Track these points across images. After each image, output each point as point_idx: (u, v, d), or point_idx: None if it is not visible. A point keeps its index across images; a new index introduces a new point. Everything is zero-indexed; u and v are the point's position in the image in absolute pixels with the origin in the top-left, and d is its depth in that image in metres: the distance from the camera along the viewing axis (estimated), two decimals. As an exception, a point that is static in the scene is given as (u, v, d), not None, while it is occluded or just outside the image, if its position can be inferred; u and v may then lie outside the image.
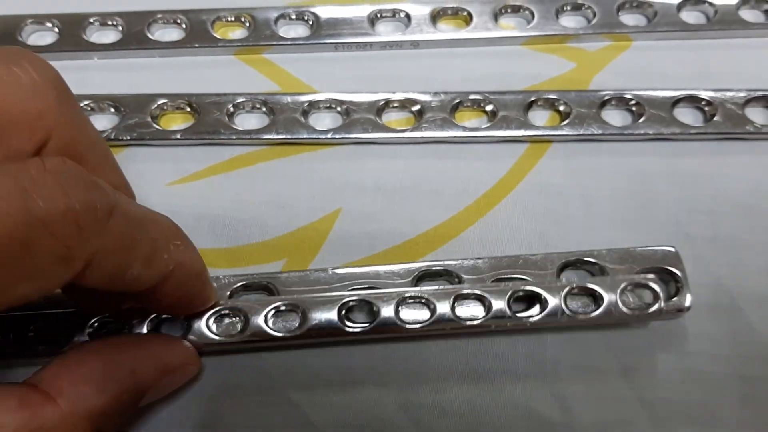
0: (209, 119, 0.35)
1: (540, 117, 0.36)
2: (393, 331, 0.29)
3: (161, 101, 0.36)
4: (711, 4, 0.39)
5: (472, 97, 0.36)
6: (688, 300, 0.29)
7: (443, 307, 0.29)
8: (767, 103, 0.36)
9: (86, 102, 0.36)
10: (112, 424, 0.24)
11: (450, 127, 0.35)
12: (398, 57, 0.39)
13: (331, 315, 0.28)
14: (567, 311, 0.29)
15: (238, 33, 0.39)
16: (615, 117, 0.36)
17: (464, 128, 0.35)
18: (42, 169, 0.19)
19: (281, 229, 0.33)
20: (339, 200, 0.34)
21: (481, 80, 0.37)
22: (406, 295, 0.29)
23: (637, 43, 0.39)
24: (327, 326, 0.28)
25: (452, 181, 0.34)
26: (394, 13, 0.39)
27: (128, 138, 0.35)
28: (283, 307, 0.29)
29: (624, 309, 0.28)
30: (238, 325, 0.28)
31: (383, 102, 0.36)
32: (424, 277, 0.31)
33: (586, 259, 0.31)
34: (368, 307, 0.29)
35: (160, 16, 0.39)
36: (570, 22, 0.39)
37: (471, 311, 0.29)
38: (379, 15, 0.39)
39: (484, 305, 0.29)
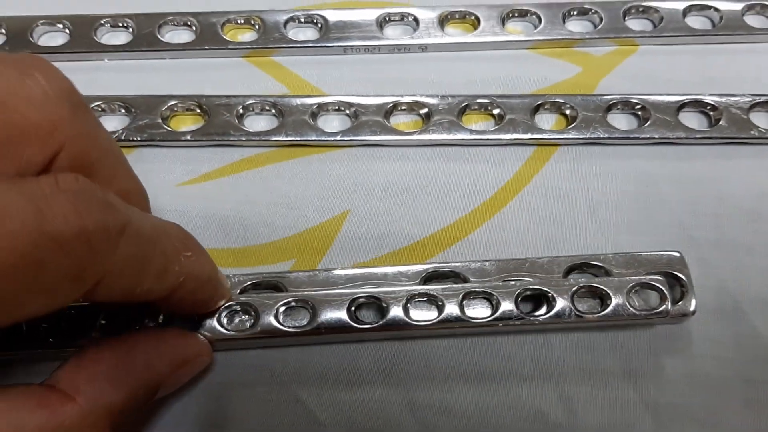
0: (219, 121, 0.35)
1: (546, 120, 0.36)
2: (402, 328, 0.29)
3: (171, 102, 0.36)
4: (716, 9, 0.39)
5: (479, 100, 0.36)
6: (693, 304, 0.29)
7: (451, 306, 0.29)
8: (772, 108, 0.36)
9: (97, 103, 0.36)
10: (131, 418, 0.24)
11: (457, 130, 0.35)
12: (406, 60, 0.39)
13: (341, 311, 0.29)
14: (575, 311, 0.29)
15: (247, 36, 0.39)
16: (621, 121, 0.36)
17: (471, 131, 0.35)
18: (56, 188, 0.19)
19: (290, 230, 0.33)
20: (347, 202, 0.34)
21: (488, 84, 0.38)
22: (416, 292, 0.29)
23: (643, 48, 0.39)
24: (337, 323, 0.29)
25: (459, 184, 0.34)
26: (403, 16, 0.40)
27: (138, 139, 0.35)
28: (293, 304, 0.29)
29: (631, 309, 0.29)
30: (249, 322, 0.29)
31: (391, 105, 0.36)
32: (431, 278, 0.31)
33: (592, 262, 0.31)
34: (377, 306, 0.30)
35: (170, 18, 0.39)
36: (576, 26, 0.40)
37: (479, 311, 0.29)
38: (387, 18, 0.39)
39: (491, 305, 0.29)
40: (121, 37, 0.39)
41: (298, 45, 0.39)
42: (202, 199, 0.34)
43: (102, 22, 0.39)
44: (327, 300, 0.29)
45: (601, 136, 0.35)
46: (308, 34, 0.40)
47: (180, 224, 0.32)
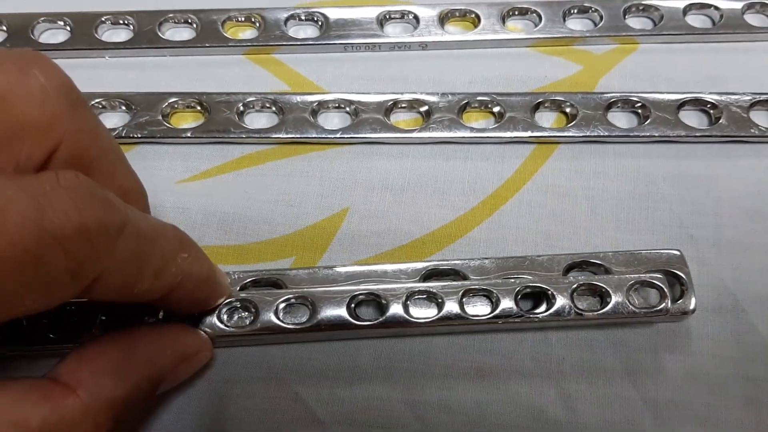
0: (219, 118, 0.35)
1: (547, 118, 0.36)
2: (402, 326, 0.29)
3: (172, 100, 0.36)
4: (717, 8, 0.39)
5: (479, 98, 0.36)
6: (692, 303, 0.30)
7: (451, 303, 0.29)
8: (772, 107, 0.36)
9: (98, 100, 0.36)
10: (132, 412, 0.25)
11: (457, 128, 0.35)
12: (406, 58, 0.39)
13: (341, 309, 0.29)
14: (574, 309, 0.29)
15: (248, 33, 0.39)
16: (621, 119, 0.36)
17: (471, 129, 0.35)
18: (56, 185, 0.19)
19: (290, 227, 0.33)
20: (347, 199, 0.34)
21: (488, 82, 0.38)
22: (415, 290, 0.29)
23: (643, 46, 0.39)
24: (336, 320, 0.29)
25: (459, 182, 0.34)
26: (403, 14, 0.40)
27: (139, 136, 0.35)
28: (293, 301, 0.29)
29: (631, 307, 0.29)
30: (249, 319, 0.29)
31: (391, 102, 0.36)
32: (431, 276, 0.31)
33: (591, 261, 0.31)
34: (377, 303, 0.30)
35: (171, 15, 0.39)
36: (577, 24, 0.40)
37: (478, 309, 0.29)
38: (387, 16, 0.39)
39: (491, 302, 0.29)
40: (121, 35, 0.39)
41: (299, 43, 0.39)
42: (202, 197, 0.34)
43: (103, 19, 0.39)
44: (327, 297, 0.29)
45: (601, 134, 0.35)
46: (309, 31, 0.40)
47: (180, 221, 0.33)
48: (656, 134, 0.35)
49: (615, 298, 0.29)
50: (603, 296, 0.29)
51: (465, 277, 0.31)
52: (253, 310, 0.29)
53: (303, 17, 0.40)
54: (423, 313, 0.29)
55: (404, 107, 0.36)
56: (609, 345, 0.30)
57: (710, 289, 0.31)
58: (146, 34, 0.39)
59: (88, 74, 0.38)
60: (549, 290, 0.29)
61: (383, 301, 0.29)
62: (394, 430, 0.29)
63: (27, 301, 0.19)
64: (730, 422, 0.29)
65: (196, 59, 0.39)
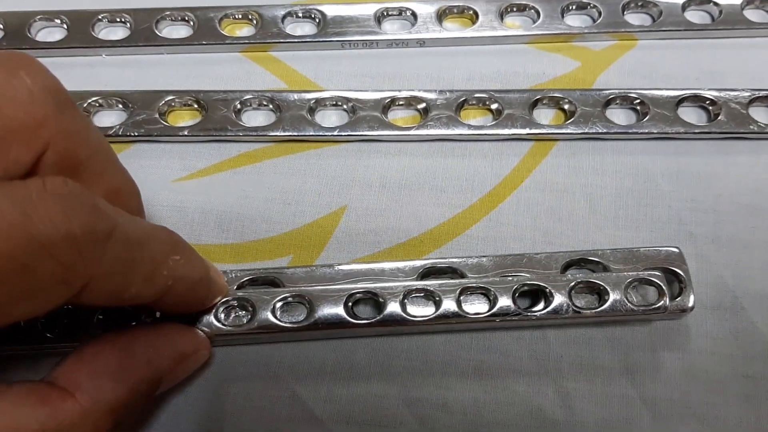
0: (216, 116, 0.35)
1: (545, 115, 0.36)
2: (399, 324, 0.29)
3: (169, 98, 0.36)
4: (716, 3, 0.39)
5: (477, 95, 0.36)
6: (691, 300, 0.29)
7: (449, 301, 0.29)
8: (771, 103, 0.36)
9: (94, 98, 0.36)
10: (131, 414, 0.24)
11: (455, 125, 0.35)
12: (404, 55, 0.39)
13: (338, 307, 0.29)
14: (572, 306, 0.29)
15: (245, 30, 0.39)
16: (619, 116, 0.36)
17: (469, 126, 0.35)
18: (43, 191, 0.19)
19: (287, 225, 0.33)
20: (344, 197, 0.34)
21: (486, 78, 0.38)
22: (413, 288, 0.29)
23: (642, 43, 0.39)
24: (334, 318, 0.29)
25: (457, 179, 0.34)
26: (401, 11, 0.39)
27: (136, 134, 0.35)
28: (290, 299, 0.29)
29: (629, 305, 0.29)
30: (246, 317, 0.29)
31: (389, 100, 0.36)
32: (428, 274, 0.31)
33: (590, 258, 0.31)
34: (374, 301, 0.30)
35: (168, 13, 0.39)
36: (575, 21, 0.39)
37: (476, 307, 0.29)
38: (385, 13, 0.39)
39: (489, 300, 0.29)
40: (118, 32, 0.39)
41: (296, 40, 0.39)
42: (199, 195, 0.34)
43: (100, 17, 0.39)
44: (324, 295, 0.29)
45: (600, 131, 0.35)
46: (306, 28, 0.39)
47: (177, 220, 0.33)
48: (655, 131, 0.35)
49: (613, 296, 0.29)
50: (601, 294, 0.29)
51: (463, 275, 0.31)
52: (250, 308, 0.29)
53: (300, 14, 0.39)
54: (420, 311, 0.29)
55: (402, 104, 0.36)
56: (607, 343, 0.30)
57: (709, 287, 0.31)
58: (143, 32, 0.39)
59: (85, 72, 0.38)
60: (547, 288, 0.29)
61: (381, 300, 0.29)
62: (392, 429, 0.29)
63: (15, 309, 0.19)
64: (729, 420, 0.29)
65: (193, 57, 0.39)
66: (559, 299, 0.29)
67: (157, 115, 0.35)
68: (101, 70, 0.38)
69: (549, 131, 0.35)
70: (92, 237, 0.19)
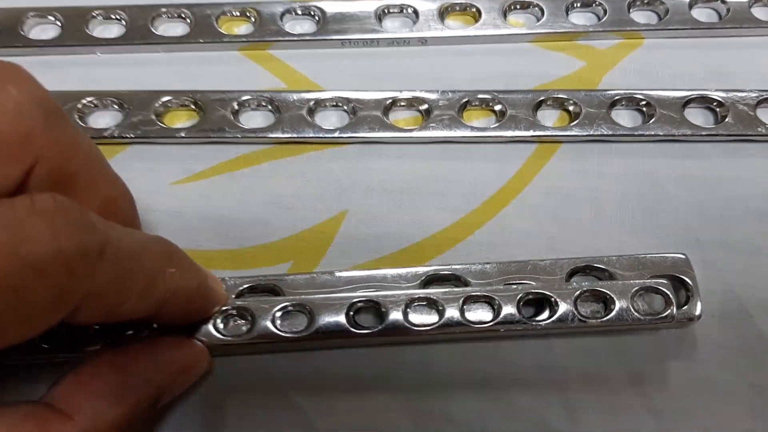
0: (214, 117, 0.35)
1: (549, 117, 0.35)
2: (401, 333, 0.28)
3: (165, 98, 0.35)
4: (723, 1, 0.38)
5: (480, 96, 0.35)
6: (698, 308, 0.29)
7: (452, 310, 0.28)
8: (780, 105, 0.35)
9: (89, 99, 0.35)
10: (134, 430, 0.24)
11: (458, 127, 0.35)
12: (405, 54, 0.38)
13: (339, 316, 0.28)
14: (578, 315, 0.28)
15: (243, 28, 0.38)
16: (625, 117, 0.35)
17: (472, 128, 0.35)
18: (31, 210, 0.18)
19: (287, 230, 0.32)
20: (345, 202, 0.33)
21: (489, 79, 0.37)
22: (415, 296, 0.29)
23: (648, 41, 0.38)
24: (335, 328, 0.28)
25: (460, 183, 0.34)
26: (402, 8, 0.39)
27: (132, 136, 0.34)
28: (290, 308, 0.28)
29: (635, 314, 0.28)
30: (245, 327, 0.28)
31: (390, 100, 0.35)
32: (431, 281, 0.30)
33: (595, 265, 0.30)
34: (376, 310, 0.29)
35: (164, 10, 0.38)
36: (580, 19, 0.39)
37: (480, 315, 0.29)
38: (386, 11, 0.39)
39: (493, 309, 0.29)
40: (113, 30, 0.38)
41: (295, 38, 0.38)
42: (197, 199, 0.33)
43: (94, 14, 0.38)
44: (325, 304, 0.28)
45: (605, 133, 0.34)
46: (305, 26, 0.39)
47: (175, 225, 0.32)
48: (661, 133, 0.34)
49: (619, 305, 0.28)
50: (607, 302, 0.29)
51: (466, 283, 0.30)
52: (249, 318, 0.28)
53: (299, 11, 0.39)
54: (423, 320, 0.29)
55: (403, 105, 0.36)
56: (613, 352, 0.30)
57: (716, 294, 0.31)
58: (139, 29, 0.38)
59: (79, 71, 0.37)
60: (552, 297, 0.29)
61: (383, 309, 0.28)
62: (395, 441, 0.28)
63: (8, 333, 0.18)
64: (735, 430, 0.29)
65: (190, 55, 0.38)
66: (564, 308, 0.28)
67: (153, 117, 0.35)
68: (96, 69, 0.37)
69: (553, 133, 0.35)
70: (84, 255, 0.19)
